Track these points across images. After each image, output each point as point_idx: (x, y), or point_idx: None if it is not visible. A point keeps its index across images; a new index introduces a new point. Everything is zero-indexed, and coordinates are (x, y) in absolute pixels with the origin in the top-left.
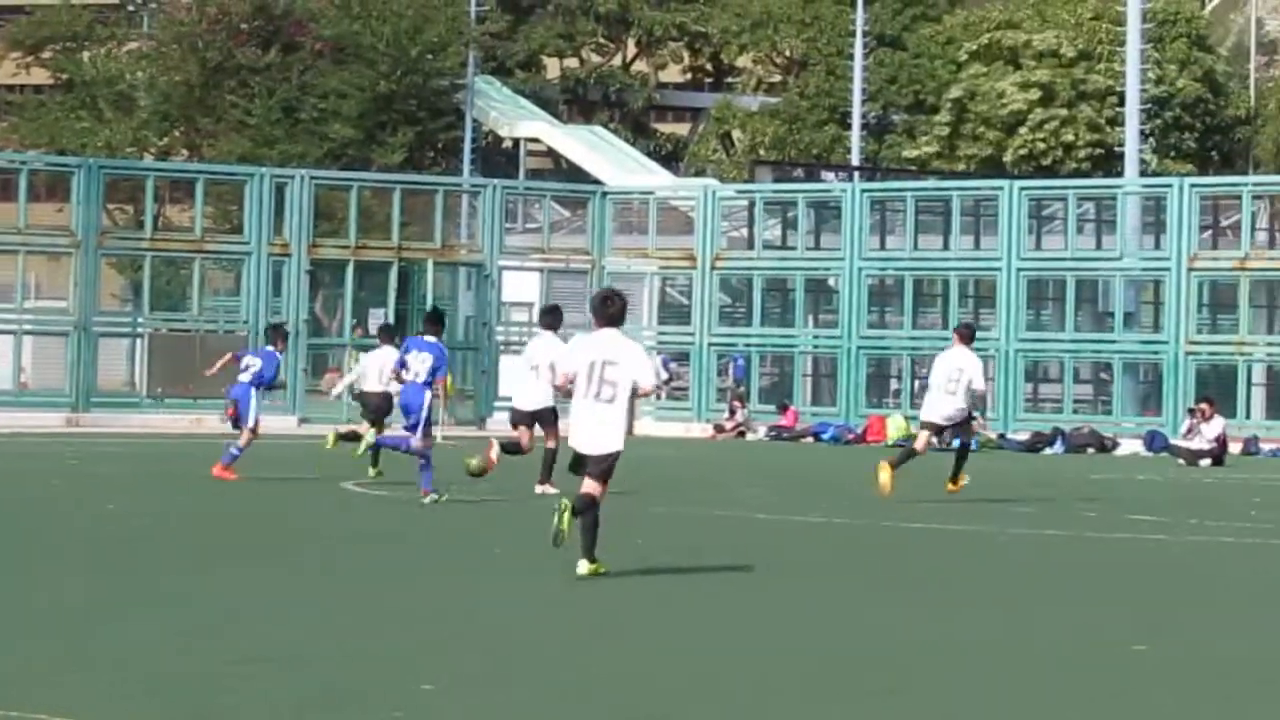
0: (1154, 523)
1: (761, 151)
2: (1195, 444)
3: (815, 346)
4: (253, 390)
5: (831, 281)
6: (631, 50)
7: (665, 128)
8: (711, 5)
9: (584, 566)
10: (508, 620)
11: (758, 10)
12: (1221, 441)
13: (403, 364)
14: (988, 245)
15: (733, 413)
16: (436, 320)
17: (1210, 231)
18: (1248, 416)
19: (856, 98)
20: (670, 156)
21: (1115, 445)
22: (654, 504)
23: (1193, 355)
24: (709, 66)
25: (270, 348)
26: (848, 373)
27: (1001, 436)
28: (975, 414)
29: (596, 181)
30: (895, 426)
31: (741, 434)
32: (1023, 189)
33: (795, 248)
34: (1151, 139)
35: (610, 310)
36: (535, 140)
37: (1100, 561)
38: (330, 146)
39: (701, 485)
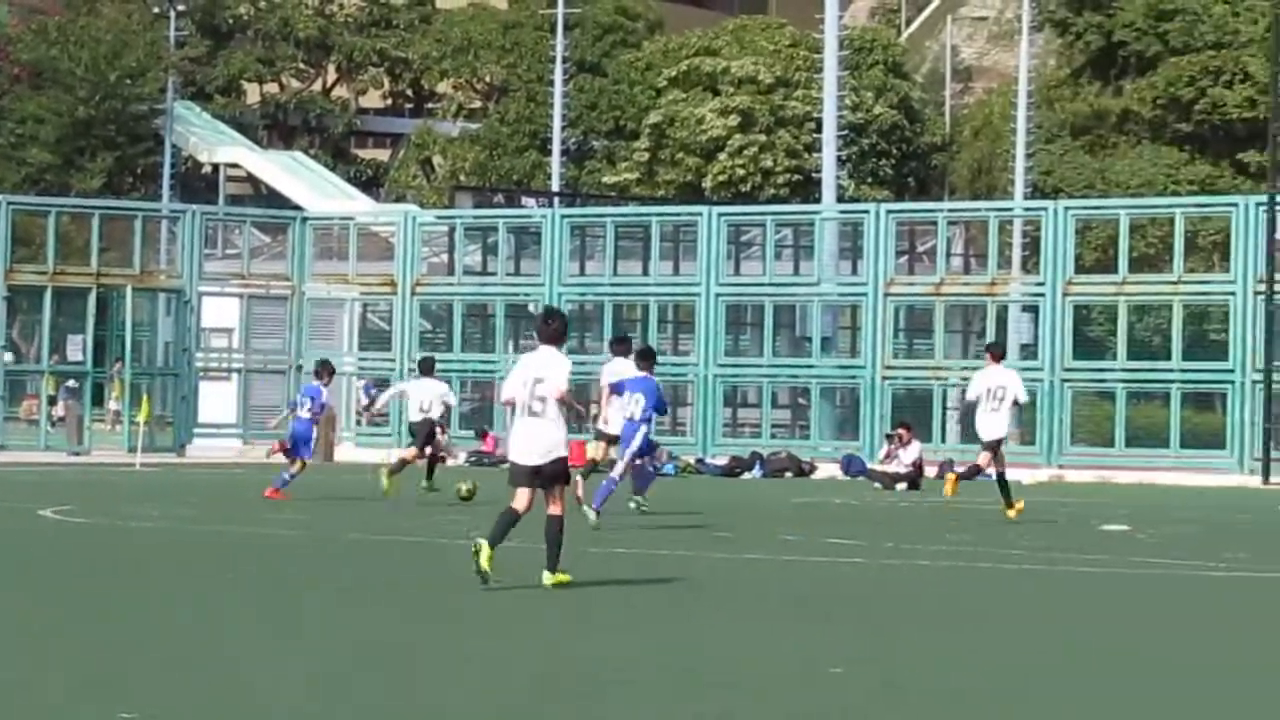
0: (851, 546)
1: (462, 177)
2: (892, 468)
3: None
4: (313, 425)
5: (532, 307)
6: (332, 76)
7: (366, 153)
8: (412, 31)
9: (548, 578)
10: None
11: (458, 36)
12: (918, 466)
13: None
14: (687, 271)
15: None
16: (648, 356)
17: (907, 257)
18: (943, 440)
19: (557, 124)
20: (371, 182)
21: (813, 469)
22: (352, 530)
23: (889, 380)
24: (409, 92)
25: (317, 383)
26: None
27: (700, 461)
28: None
29: (296, 207)
30: (594, 450)
31: (441, 459)
32: (721, 215)
33: (496, 273)
34: (849, 165)
35: (550, 328)
36: (235, 165)
37: (798, 585)
38: (28, 171)
39: (395, 512)
